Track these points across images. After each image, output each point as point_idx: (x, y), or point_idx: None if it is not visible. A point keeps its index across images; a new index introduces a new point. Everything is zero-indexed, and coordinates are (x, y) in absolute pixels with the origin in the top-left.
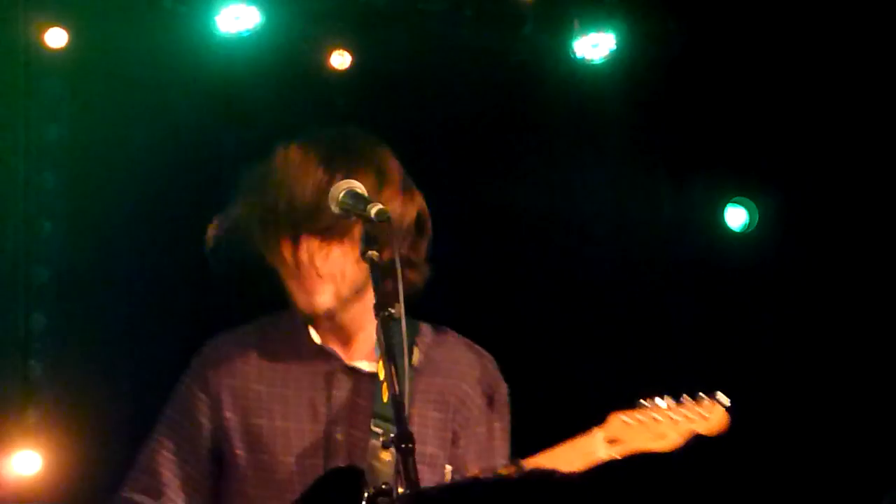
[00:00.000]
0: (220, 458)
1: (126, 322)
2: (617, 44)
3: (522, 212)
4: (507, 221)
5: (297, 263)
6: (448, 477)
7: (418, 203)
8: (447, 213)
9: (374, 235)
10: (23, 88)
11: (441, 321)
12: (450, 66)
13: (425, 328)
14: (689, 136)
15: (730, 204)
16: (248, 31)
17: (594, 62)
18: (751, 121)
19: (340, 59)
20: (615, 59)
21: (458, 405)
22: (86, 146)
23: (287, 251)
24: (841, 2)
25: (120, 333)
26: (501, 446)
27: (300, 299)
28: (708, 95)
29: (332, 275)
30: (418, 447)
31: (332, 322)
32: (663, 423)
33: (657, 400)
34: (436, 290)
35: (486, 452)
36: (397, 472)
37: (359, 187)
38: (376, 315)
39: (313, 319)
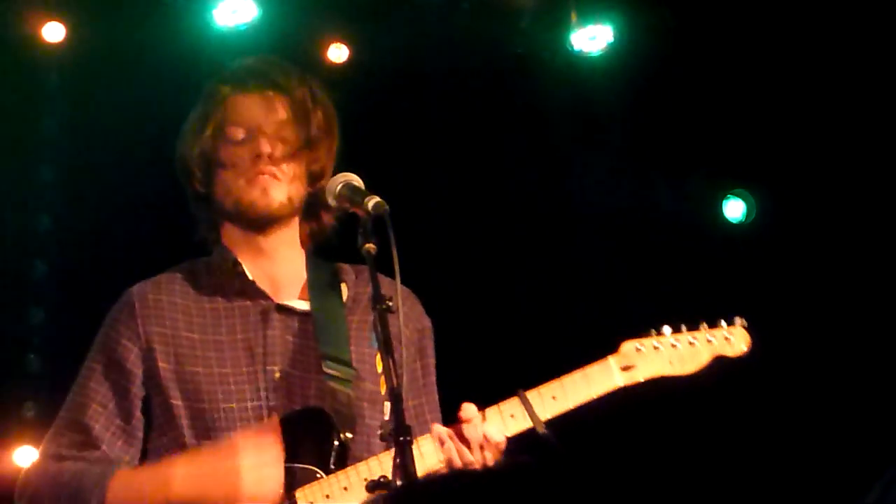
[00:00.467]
0: (150, 408)
1: None
2: (614, 36)
3: (519, 205)
4: (503, 215)
5: (257, 157)
6: (387, 414)
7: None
8: (444, 205)
9: (371, 228)
10: (20, 83)
11: (441, 312)
12: (447, 59)
13: (346, 267)
14: (686, 128)
15: (728, 195)
16: (245, 24)
17: (591, 55)
18: (748, 113)
19: (338, 53)
20: (612, 52)
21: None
22: (83, 140)
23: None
24: None
25: None
26: (432, 382)
27: (252, 195)
28: (705, 88)
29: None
30: (359, 384)
31: (263, 251)
32: (681, 348)
33: (667, 328)
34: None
35: (421, 389)
36: (395, 464)
37: (355, 180)
38: (373, 308)
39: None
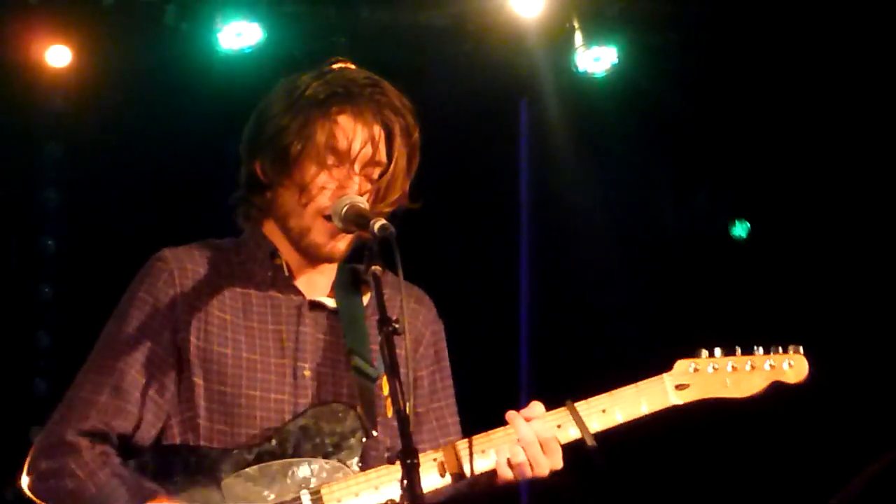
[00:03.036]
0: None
1: None
2: (619, 58)
3: (525, 225)
4: (509, 236)
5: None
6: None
7: (415, 139)
8: (451, 227)
9: (378, 250)
10: (25, 106)
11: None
12: (452, 80)
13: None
14: (691, 148)
15: (732, 216)
16: (249, 47)
17: (596, 76)
18: (752, 133)
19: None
20: (617, 74)
21: (415, 345)
22: (87, 163)
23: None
24: (840, 16)
25: None
26: (450, 385)
27: (318, 239)
28: (709, 109)
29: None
30: (381, 382)
31: (316, 251)
32: (739, 371)
33: (717, 351)
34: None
35: (440, 392)
36: (402, 486)
37: (361, 202)
38: (379, 331)
39: (304, 235)
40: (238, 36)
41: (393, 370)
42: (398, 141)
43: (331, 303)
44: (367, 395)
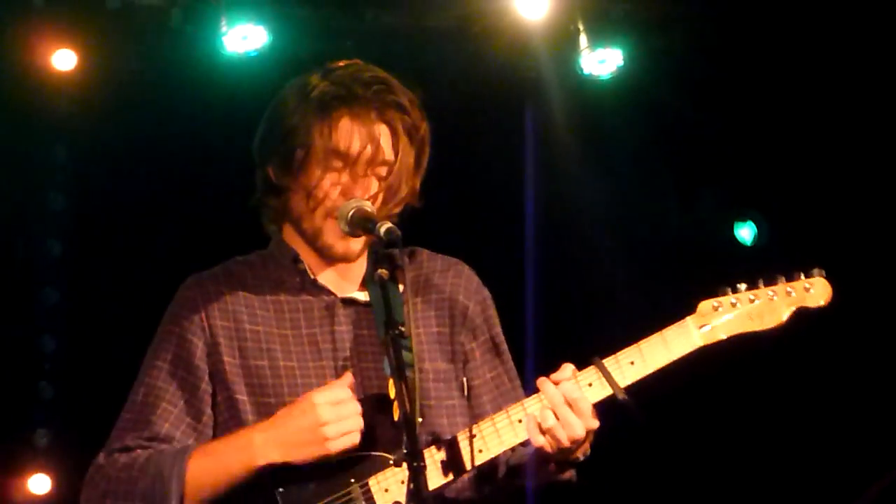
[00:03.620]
0: (215, 405)
1: (135, 345)
2: (624, 60)
3: (530, 227)
4: (514, 237)
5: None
6: (466, 390)
7: (423, 135)
8: (456, 229)
9: (383, 254)
10: (30, 110)
11: None
12: (456, 82)
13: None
14: (696, 151)
15: (738, 218)
16: (255, 50)
17: (601, 78)
18: (759, 134)
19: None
20: (622, 76)
21: (460, 318)
22: (93, 167)
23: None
24: (847, 19)
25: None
26: (505, 350)
27: (331, 239)
28: (715, 111)
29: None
30: (429, 365)
31: (331, 252)
32: (760, 302)
33: (743, 285)
34: None
35: (496, 358)
36: (408, 489)
37: (367, 206)
38: (385, 333)
39: (321, 237)
40: (243, 39)
41: (399, 373)
42: (403, 139)
43: (363, 296)
44: (408, 382)
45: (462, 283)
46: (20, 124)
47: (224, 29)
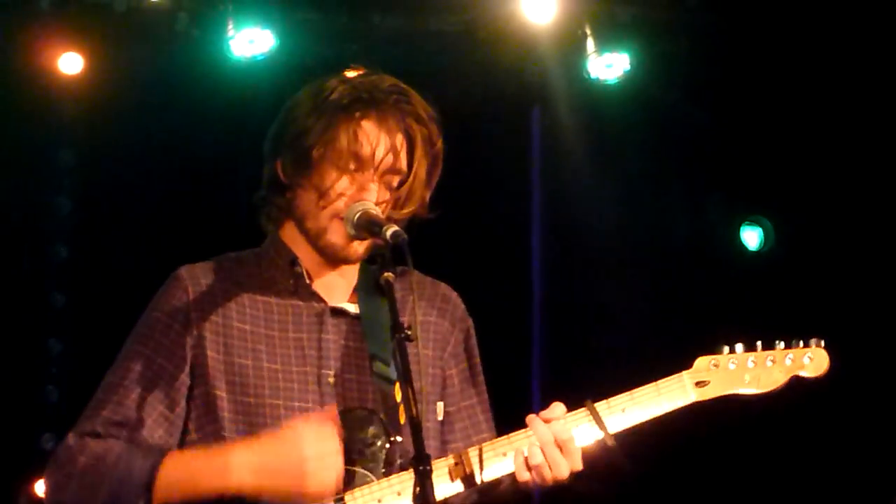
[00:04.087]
0: (191, 399)
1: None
2: (631, 64)
3: (537, 231)
4: (521, 241)
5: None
6: (440, 414)
7: (438, 149)
8: (463, 233)
9: (390, 257)
10: (37, 114)
11: None
12: (464, 86)
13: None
14: (703, 155)
15: (745, 223)
16: (262, 54)
17: (608, 82)
18: (765, 139)
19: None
20: (629, 80)
21: (443, 343)
22: (100, 171)
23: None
24: (853, 23)
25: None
26: (482, 382)
27: (334, 239)
28: (722, 115)
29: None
30: (416, 384)
31: (333, 252)
32: (758, 366)
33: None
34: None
35: (472, 389)
36: (415, 493)
37: (373, 209)
38: (392, 337)
39: (325, 239)
40: (250, 43)
41: (405, 377)
42: (420, 150)
43: (353, 308)
44: (389, 400)
45: (449, 308)
46: (27, 128)
47: (231, 33)
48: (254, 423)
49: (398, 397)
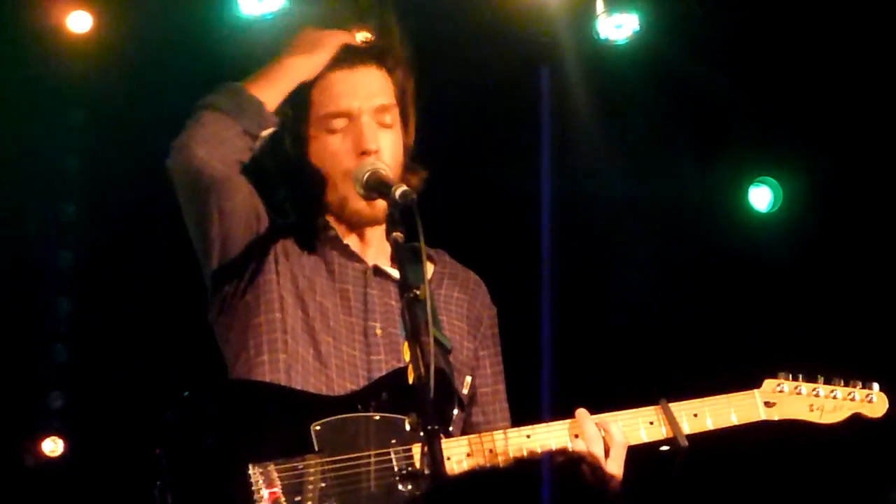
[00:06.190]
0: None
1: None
2: (640, 25)
3: (546, 192)
4: (528, 207)
5: (362, 153)
6: (466, 388)
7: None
8: (468, 200)
9: (399, 217)
10: (45, 73)
11: None
12: (473, 47)
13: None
14: (713, 116)
15: (754, 184)
16: (271, 13)
17: (618, 43)
18: (775, 100)
19: (364, 39)
20: (638, 41)
21: (476, 322)
22: (109, 130)
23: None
24: None
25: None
26: (502, 371)
27: (358, 204)
28: (731, 75)
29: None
30: (453, 353)
31: (360, 216)
32: (824, 398)
33: (800, 376)
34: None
35: (497, 376)
36: (423, 455)
37: (382, 168)
38: (401, 297)
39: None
40: (259, 1)
41: (414, 336)
42: (400, 75)
43: (394, 272)
44: (443, 362)
45: (480, 292)
46: (34, 87)
47: None
48: (309, 346)
49: (406, 357)
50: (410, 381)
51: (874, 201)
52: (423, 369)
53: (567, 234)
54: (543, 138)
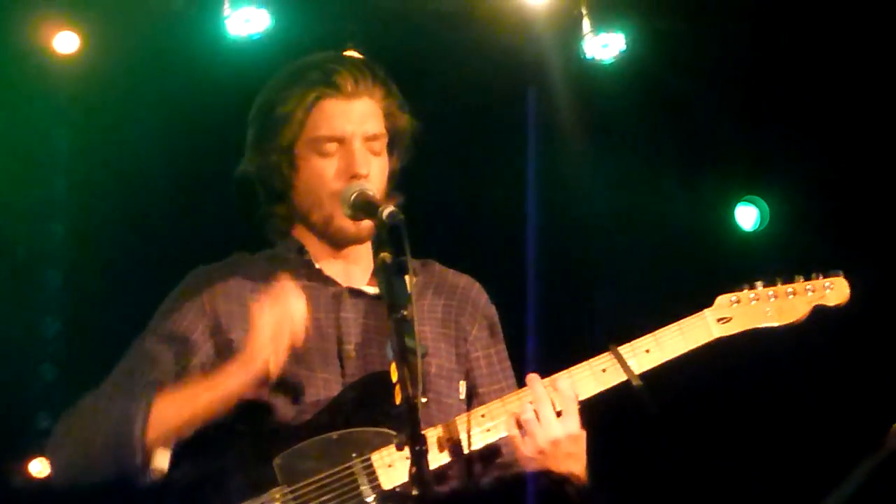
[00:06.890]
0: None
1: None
2: (627, 44)
3: (532, 211)
4: (515, 222)
5: (352, 178)
6: (462, 393)
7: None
8: (454, 213)
9: (386, 237)
10: (32, 93)
11: None
12: (460, 66)
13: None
14: (699, 135)
15: (740, 203)
16: (258, 34)
17: (604, 62)
18: (762, 119)
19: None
20: (625, 60)
21: (466, 329)
22: (96, 151)
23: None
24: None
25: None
26: (509, 367)
27: (343, 222)
28: (717, 95)
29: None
30: (436, 361)
31: (344, 234)
32: (779, 299)
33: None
34: None
35: (500, 373)
36: (410, 473)
37: (369, 189)
38: (389, 316)
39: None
40: (246, 22)
41: (402, 357)
42: (391, 104)
43: (372, 290)
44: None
45: (472, 295)
46: (20, 108)
47: (227, 12)
48: (280, 387)
49: (394, 377)
50: (398, 401)
51: (860, 220)
52: (410, 389)
53: (553, 252)
54: (530, 158)
